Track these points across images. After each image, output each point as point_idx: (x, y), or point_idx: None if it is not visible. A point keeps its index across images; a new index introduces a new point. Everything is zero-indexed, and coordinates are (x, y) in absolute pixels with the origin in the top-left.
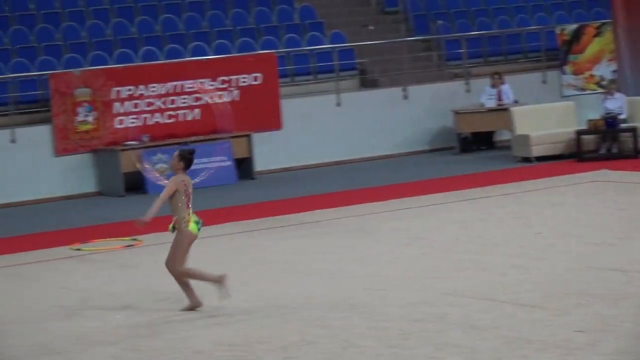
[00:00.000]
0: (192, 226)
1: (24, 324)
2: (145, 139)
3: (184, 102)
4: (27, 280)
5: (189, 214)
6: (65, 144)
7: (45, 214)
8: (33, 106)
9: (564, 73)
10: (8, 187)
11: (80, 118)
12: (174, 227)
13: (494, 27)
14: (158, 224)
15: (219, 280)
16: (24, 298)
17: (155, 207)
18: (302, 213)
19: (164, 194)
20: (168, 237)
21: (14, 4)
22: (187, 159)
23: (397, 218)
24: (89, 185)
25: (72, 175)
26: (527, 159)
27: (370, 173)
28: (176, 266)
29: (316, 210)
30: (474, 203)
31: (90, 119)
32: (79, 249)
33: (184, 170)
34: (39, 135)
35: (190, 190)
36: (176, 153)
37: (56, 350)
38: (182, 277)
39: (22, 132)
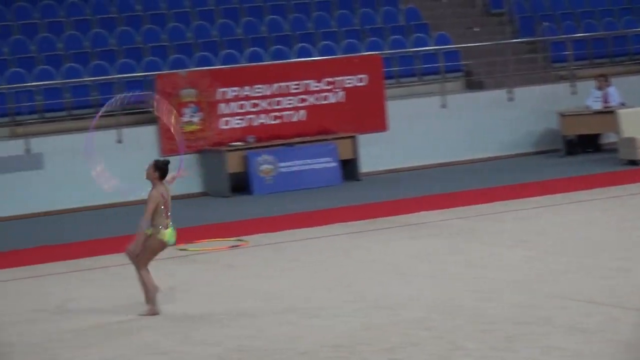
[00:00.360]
0: (167, 234)
1: (132, 323)
2: (250, 139)
3: (290, 103)
4: (130, 280)
5: (167, 223)
6: (171, 145)
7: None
8: (139, 107)
9: None
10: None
11: (186, 119)
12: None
13: (600, 29)
14: (264, 225)
15: (152, 297)
16: (131, 297)
17: (143, 224)
18: (407, 215)
19: (149, 208)
20: (273, 238)
21: (121, 5)
22: (161, 169)
23: (502, 220)
24: (194, 185)
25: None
26: (633, 162)
27: (475, 175)
28: (140, 266)
29: (421, 212)
30: (580, 206)
31: (195, 119)
32: (184, 249)
33: (160, 180)
34: (145, 136)
35: (169, 199)
36: (151, 163)
37: (160, 350)
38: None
39: (128, 133)
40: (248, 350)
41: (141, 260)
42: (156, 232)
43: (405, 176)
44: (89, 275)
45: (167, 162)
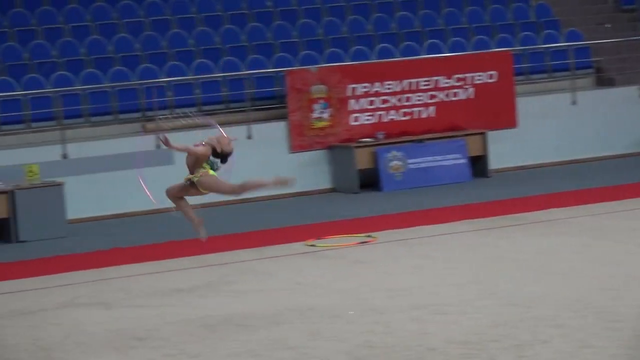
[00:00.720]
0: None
1: (261, 319)
2: (380, 136)
3: (419, 100)
4: (262, 275)
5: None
6: (300, 141)
7: (280, 210)
8: (269, 103)
9: None
10: None
11: (315, 115)
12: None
13: None
14: (393, 221)
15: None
16: (262, 292)
17: (181, 146)
18: (537, 212)
19: (195, 150)
20: (402, 234)
21: (252, 2)
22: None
23: (632, 218)
24: (323, 181)
25: (307, 171)
26: None
27: (604, 172)
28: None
29: (552, 209)
30: None
31: (325, 115)
32: (313, 245)
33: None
34: (275, 132)
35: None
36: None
37: (289, 345)
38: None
39: (258, 129)
40: (377, 346)
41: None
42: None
43: (534, 173)
44: (215, 271)
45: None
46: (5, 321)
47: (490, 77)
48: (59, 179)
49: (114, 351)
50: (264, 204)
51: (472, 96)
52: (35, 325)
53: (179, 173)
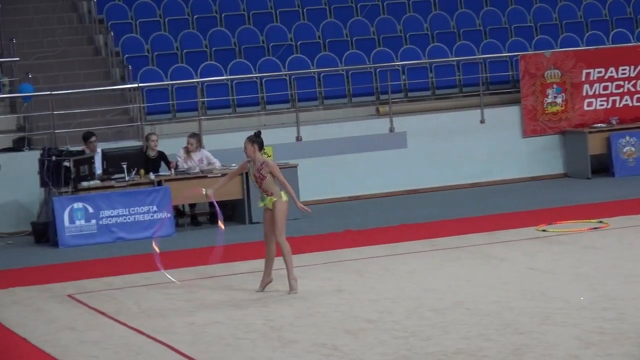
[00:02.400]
0: (285, 196)
1: (490, 303)
2: (613, 121)
3: None
4: (494, 260)
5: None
6: (533, 126)
7: (511, 194)
8: (503, 87)
9: None
10: (476, 167)
11: (549, 100)
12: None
13: None
14: (626, 207)
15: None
16: (492, 277)
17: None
18: None
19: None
20: (636, 220)
21: None
22: (259, 142)
23: None
24: (555, 166)
25: (539, 156)
26: None
27: None
28: (283, 236)
29: None
30: None
31: (559, 100)
32: (545, 230)
33: (260, 152)
34: (508, 116)
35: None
36: (246, 141)
37: (519, 330)
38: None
39: (491, 113)
40: (608, 332)
41: (283, 229)
42: (282, 197)
43: None
44: (447, 255)
45: (259, 133)
46: (240, 301)
47: None
48: (292, 161)
49: (345, 333)
50: (493, 189)
51: None
52: (267, 306)
53: (410, 156)
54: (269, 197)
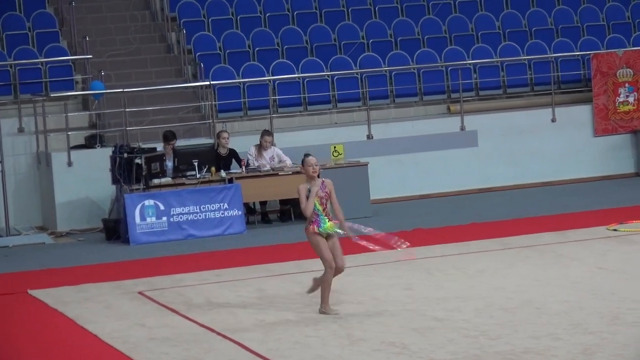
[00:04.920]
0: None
1: (561, 303)
2: None
3: None
4: (564, 259)
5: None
6: (604, 125)
7: (582, 194)
8: (574, 86)
9: None
10: (547, 166)
11: (621, 99)
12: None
13: None
14: None
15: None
16: (563, 277)
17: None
18: None
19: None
20: None
21: None
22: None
23: None
24: (627, 166)
25: (611, 155)
26: None
27: None
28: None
29: None
30: None
31: (631, 99)
32: (615, 230)
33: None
34: (579, 115)
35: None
36: (314, 159)
37: (589, 330)
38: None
39: (562, 112)
40: None
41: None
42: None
43: None
44: (517, 254)
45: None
46: (309, 299)
47: None
48: (363, 159)
49: (413, 332)
50: (564, 188)
51: None
52: (336, 304)
53: (481, 154)
54: (330, 222)
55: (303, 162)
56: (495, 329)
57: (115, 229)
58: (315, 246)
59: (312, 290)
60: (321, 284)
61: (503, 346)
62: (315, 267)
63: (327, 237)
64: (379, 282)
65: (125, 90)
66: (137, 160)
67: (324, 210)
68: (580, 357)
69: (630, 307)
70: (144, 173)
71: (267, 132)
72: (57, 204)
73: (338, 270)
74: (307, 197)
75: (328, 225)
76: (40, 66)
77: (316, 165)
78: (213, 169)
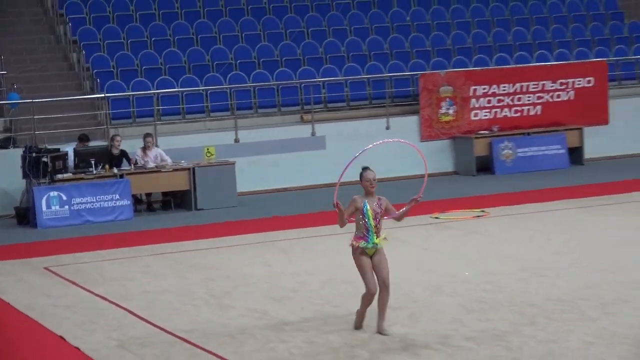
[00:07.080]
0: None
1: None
2: (495, 129)
3: (529, 100)
4: (396, 241)
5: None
6: (429, 132)
7: (410, 188)
8: (405, 100)
9: None
10: (382, 166)
11: (442, 111)
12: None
13: None
14: (504, 200)
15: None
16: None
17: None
18: (626, 194)
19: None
20: (511, 210)
21: (394, 16)
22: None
23: None
24: (447, 165)
25: (434, 157)
26: None
27: None
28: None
29: (634, 192)
30: None
31: (451, 111)
32: (437, 217)
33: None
34: (409, 124)
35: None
36: (372, 173)
37: (413, 298)
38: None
39: (395, 121)
40: (487, 301)
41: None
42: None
43: (623, 162)
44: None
45: (366, 168)
46: (186, 273)
47: (589, 82)
48: (231, 159)
49: (272, 300)
50: (394, 184)
51: (572, 98)
52: (209, 278)
53: (329, 156)
54: (378, 238)
55: (361, 176)
56: (337, 298)
57: (25, 215)
58: (359, 267)
59: (358, 324)
60: (361, 302)
61: (343, 311)
62: (188, 247)
63: (373, 254)
64: (244, 260)
65: (34, 100)
66: (44, 159)
67: (376, 226)
68: (406, 321)
69: (447, 280)
70: (49, 169)
71: (148, 135)
72: None
73: (382, 284)
74: (347, 212)
75: (377, 241)
76: None
77: (374, 180)
78: (107, 166)
